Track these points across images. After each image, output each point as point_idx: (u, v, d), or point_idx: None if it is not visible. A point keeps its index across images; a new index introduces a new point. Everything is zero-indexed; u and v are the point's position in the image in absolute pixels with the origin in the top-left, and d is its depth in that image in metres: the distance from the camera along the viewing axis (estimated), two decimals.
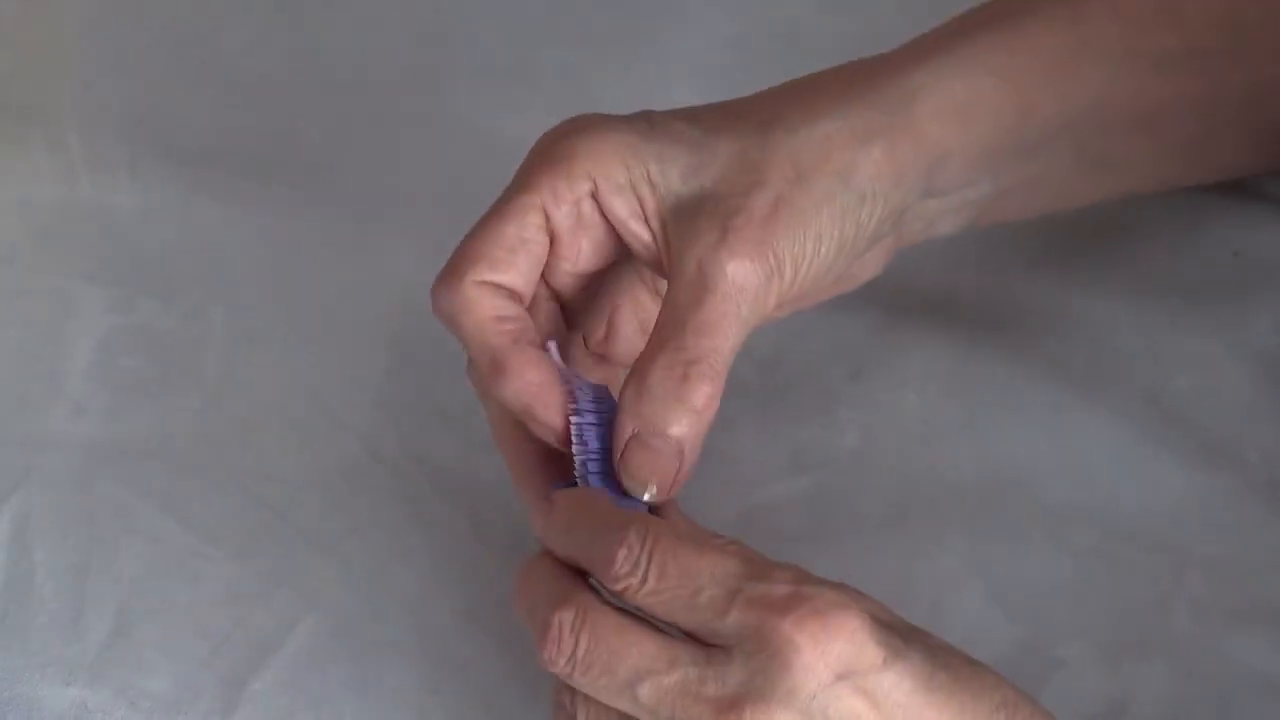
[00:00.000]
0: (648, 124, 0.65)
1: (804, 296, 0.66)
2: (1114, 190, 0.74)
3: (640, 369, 0.62)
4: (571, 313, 0.68)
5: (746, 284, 0.62)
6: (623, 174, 0.64)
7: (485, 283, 0.64)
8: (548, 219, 0.64)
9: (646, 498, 0.62)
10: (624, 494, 0.63)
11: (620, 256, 0.67)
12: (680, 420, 0.61)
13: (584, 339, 0.68)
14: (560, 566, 0.60)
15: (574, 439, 0.63)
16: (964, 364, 0.76)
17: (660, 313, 0.63)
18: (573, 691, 0.59)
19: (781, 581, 0.56)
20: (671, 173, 0.64)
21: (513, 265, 0.64)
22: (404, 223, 0.81)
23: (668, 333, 0.62)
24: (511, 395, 0.63)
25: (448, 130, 0.86)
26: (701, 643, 0.57)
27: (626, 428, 0.62)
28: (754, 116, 0.65)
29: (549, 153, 0.65)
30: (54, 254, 0.82)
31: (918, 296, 0.78)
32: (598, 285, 0.68)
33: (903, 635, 0.57)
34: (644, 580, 0.57)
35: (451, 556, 0.72)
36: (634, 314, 0.68)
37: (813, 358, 0.76)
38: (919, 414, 0.75)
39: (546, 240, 0.65)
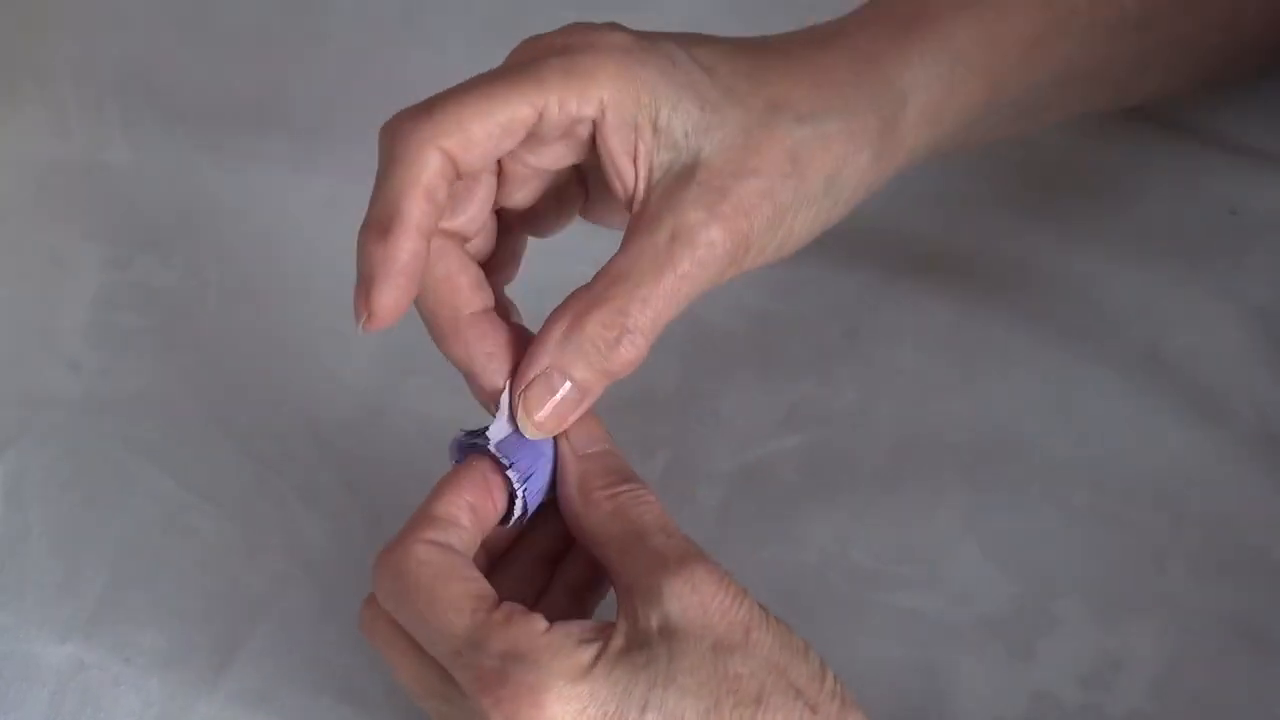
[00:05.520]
0: (670, 62, 0.63)
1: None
2: (1041, 125, 0.75)
3: (576, 313, 0.61)
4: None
5: (710, 264, 0.62)
6: (633, 110, 0.62)
7: (444, 152, 0.61)
8: (541, 120, 0.62)
9: (530, 432, 0.62)
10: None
11: (573, 170, 0.65)
12: (593, 375, 0.62)
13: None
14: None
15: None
16: (960, 321, 0.76)
17: (615, 260, 0.62)
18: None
19: (492, 654, 0.58)
20: (677, 124, 0.62)
21: (475, 149, 0.61)
22: None
23: (615, 290, 0.61)
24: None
25: (443, 86, 0.85)
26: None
27: (541, 362, 0.62)
28: (765, 89, 0.64)
29: (570, 63, 0.62)
30: (49, 211, 0.82)
31: (913, 254, 0.77)
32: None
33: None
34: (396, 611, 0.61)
35: None
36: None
37: (808, 315, 0.76)
38: (915, 371, 0.75)
39: (522, 137, 0.62)
